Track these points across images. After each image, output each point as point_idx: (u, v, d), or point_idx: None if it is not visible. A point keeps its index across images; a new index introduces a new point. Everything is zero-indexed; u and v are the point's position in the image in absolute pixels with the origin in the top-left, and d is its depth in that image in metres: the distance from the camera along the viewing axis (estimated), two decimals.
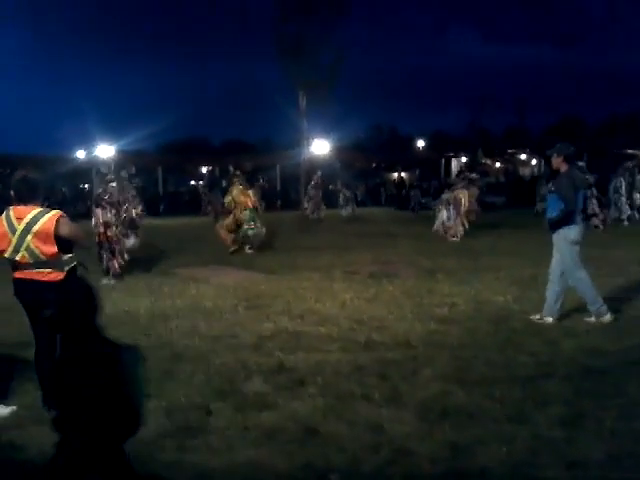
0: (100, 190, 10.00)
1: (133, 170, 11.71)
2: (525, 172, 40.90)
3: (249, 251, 12.79)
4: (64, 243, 4.27)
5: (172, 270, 10.41)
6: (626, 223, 17.32)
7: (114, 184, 10.06)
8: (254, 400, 4.32)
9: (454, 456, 3.44)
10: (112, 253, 9.65)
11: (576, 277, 6.27)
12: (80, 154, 33.08)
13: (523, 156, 41.57)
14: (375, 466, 3.38)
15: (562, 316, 6.46)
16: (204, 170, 38.98)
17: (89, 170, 32.38)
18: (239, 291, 8.49)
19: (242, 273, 10.17)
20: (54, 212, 4.29)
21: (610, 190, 17.89)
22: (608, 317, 6.22)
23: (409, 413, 4.03)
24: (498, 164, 41.08)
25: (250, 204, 12.94)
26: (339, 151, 33.32)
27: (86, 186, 31.48)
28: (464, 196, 15.53)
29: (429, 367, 4.94)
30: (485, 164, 21.72)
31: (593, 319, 6.23)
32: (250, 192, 13.16)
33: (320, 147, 30.42)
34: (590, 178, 16.25)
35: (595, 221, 16.08)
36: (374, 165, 42.96)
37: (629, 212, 17.77)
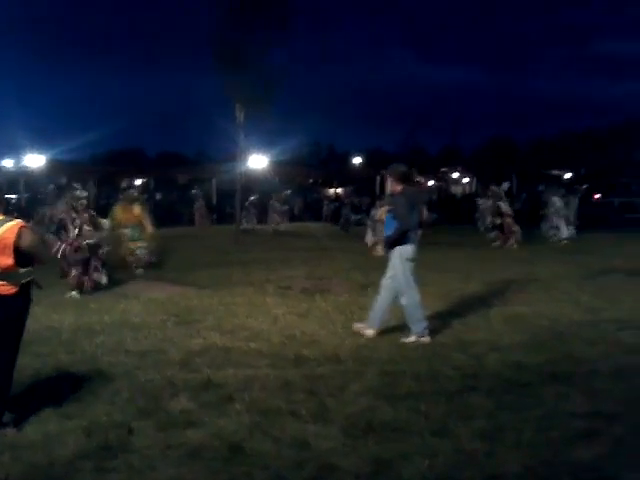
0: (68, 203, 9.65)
1: (64, 180, 11.36)
2: (457, 190, 42.08)
3: (138, 271, 11.58)
4: (23, 256, 3.97)
5: (100, 285, 10.11)
6: (563, 240, 17.87)
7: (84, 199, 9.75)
8: (179, 418, 4.23)
9: (377, 471, 3.46)
10: (86, 267, 9.34)
11: (407, 295, 6.39)
12: (7, 163, 31.84)
13: (455, 174, 42.77)
14: None
15: (491, 331, 6.64)
16: (139, 182, 38.24)
17: (16, 180, 31.29)
18: (169, 306, 8.33)
19: (173, 288, 9.99)
20: (16, 222, 3.99)
21: (550, 210, 18.50)
22: (427, 339, 6.30)
23: (335, 428, 4.04)
24: (432, 182, 42.07)
25: (133, 220, 11.91)
26: (277, 166, 33.34)
27: (13, 197, 30.22)
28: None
29: (357, 382, 4.96)
30: (419, 182, 22.14)
31: (412, 339, 6.30)
32: (135, 207, 12.09)
33: (257, 162, 30.35)
34: (503, 204, 16.83)
35: (511, 241, 16.65)
36: (312, 181, 43.24)
37: (569, 232, 18.28)
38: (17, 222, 4.01)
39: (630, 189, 31.13)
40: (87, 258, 9.42)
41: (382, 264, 12.72)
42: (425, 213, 6.46)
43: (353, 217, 26.87)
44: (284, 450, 3.73)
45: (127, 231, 11.86)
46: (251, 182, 29.82)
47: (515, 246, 16.51)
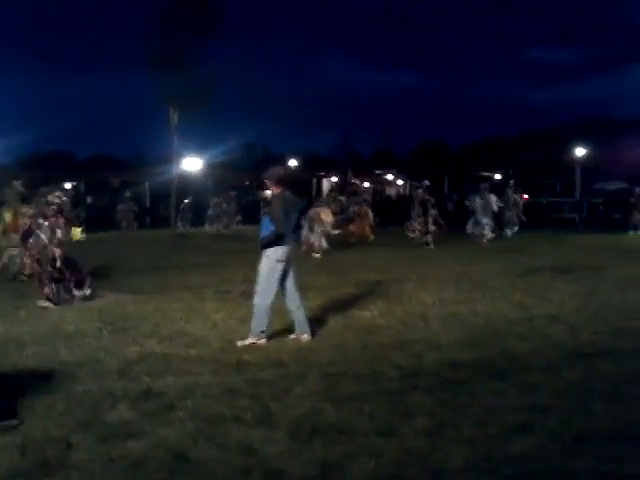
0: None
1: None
2: (391, 192, 42.81)
3: (23, 279, 10.82)
4: None
5: (30, 293, 9.73)
6: (487, 238, 18.44)
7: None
8: (119, 429, 4.12)
9: (324, 473, 3.48)
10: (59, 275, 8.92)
11: (261, 296, 6.43)
12: None
13: (390, 176, 43.51)
14: None
15: (429, 330, 6.80)
16: (68, 186, 37.05)
17: None
18: (104, 314, 8.10)
19: (108, 295, 9.72)
20: None
21: (471, 208, 19.13)
22: (263, 342, 6.40)
23: (281, 433, 4.03)
24: (367, 184, 42.64)
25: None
26: (212, 168, 32.99)
27: None
28: (325, 214, 16.02)
29: (300, 385, 4.97)
30: (355, 184, 22.48)
31: (249, 341, 6.37)
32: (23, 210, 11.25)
33: (192, 164, 29.96)
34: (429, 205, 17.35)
35: (429, 237, 17.16)
36: (247, 183, 43.01)
37: (489, 229, 18.90)
38: None
39: (556, 190, 32.52)
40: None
41: (320, 267, 12.87)
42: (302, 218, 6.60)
43: None
44: (230, 457, 3.69)
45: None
46: (185, 185, 29.37)
47: (431, 246, 16.96)
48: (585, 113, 53.72)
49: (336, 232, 16.18)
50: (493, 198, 19.34)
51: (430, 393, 4.74)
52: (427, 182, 18.44)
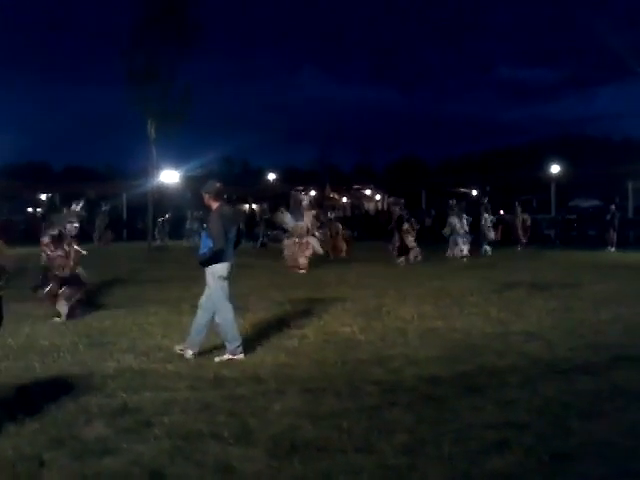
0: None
1: None
2: (370, 206, 43.00)
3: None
4: None
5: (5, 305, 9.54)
6: (465, 259, 18.62)
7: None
8: (95, 446, 4.05)
9: None
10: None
11: (220, 313, 6.42)
12: None
13: (368, 191, 43.73)
14: None
15: (408, 346, 6.80)
16: (43, 197, 36.63)
17: None
18: (80, 327, 7.99)
19: (85, 308, 9.57)
20: None
21: (447, 229, 19.35)
22: (241, 356, 6.38)
23: (259, 450, 3.99)
24: (345, 199, 42.79)
25: None
26: (189, 181, 32.87)
27: None
28: (303, 231, 16.04)
29: (279, 402, 4.93)
30: (333, 198, 22.57)
31: (226, 357, 6.33)
32: None
33: (169, 177, 29.83)
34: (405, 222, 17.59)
35: (410, 256, 17.31)
36: (225, 196, 42.93)
37: (466, 248, 19.13)
38: None
39: (532, 206, 32.94)
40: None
41: (300, 282, 12.85)
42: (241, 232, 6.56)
43: (269, 233, 26.88)
44: (207, 474, 3.64)
45: None
46: (163, 197, 29.24)
47: (418, 259, 17.11)
48: (560, 131, 54.61)
49: (321, 251, 16.14)
50: (486, 215, 19.93)
51: (409, 409, 4.74)
52: (401, 200, 18.80)
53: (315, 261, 16.52)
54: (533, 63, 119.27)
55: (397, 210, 18.07)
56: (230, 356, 6.35)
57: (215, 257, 6.34)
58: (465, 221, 19.19)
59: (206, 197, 6.60)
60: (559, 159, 36.26)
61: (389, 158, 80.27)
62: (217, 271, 6.37)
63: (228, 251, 6.40)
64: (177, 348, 6.56)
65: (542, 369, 5.91)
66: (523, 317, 8.52)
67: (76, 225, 9.21)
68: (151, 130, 25.50)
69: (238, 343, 6.42)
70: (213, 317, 6.47)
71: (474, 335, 7.44)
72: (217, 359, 6.31)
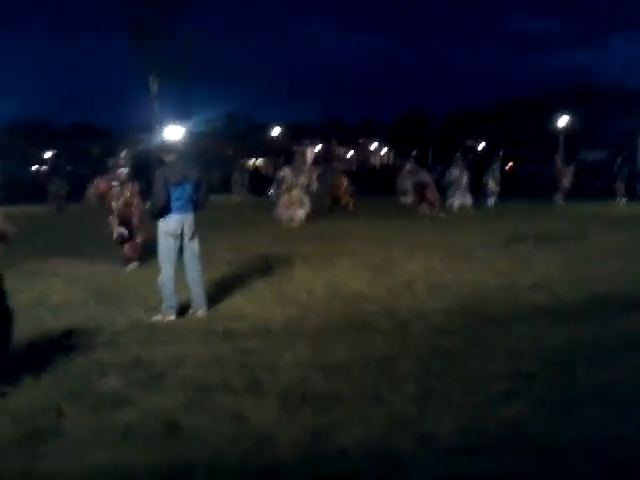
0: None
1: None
2: (376, 160, 42.72)
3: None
4: None
5: (14, 263, 9.63)
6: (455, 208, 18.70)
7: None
8: (110, 398, 4.14)
9: (314, 440, 3.53)
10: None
11: (164, 270, 6.38)
12: None
13: (374, 145, 43.36)
14: (238, 456, 3.38)
15: (415, 298, 6.85)
16: (48, 154, 36.53)
17: None
18: (90, 284, 8.07)
19: (94, 264, 9.67)
20: None
21: (447, 179, 19.35)
22: (173, 318, 6.30)
23: (270, 400, 4.06)
24: (351, 153, 42.49)
25: None
26: (194, 137, 32.66)
27: None
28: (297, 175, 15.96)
29: (288, 354, 4.99)
30: (339, 153, 22.38)
31: (159, 317, 6.31)
32: None
33: (173, 133, 29.61)
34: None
35: (436, 209, 17.28)
36: (230, 152, 42.68)
37: (471, 199, 19.22)
38: None
39: (540, 158, 32.65)
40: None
41: (306, 236, 12.86)
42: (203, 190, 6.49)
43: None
44: (221, 424, 3.72)
45: None
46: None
47: (442, 214, 17.10)
48: (570, 81, 53.46)
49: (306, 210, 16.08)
50: (494, 168, 19.91)
51: (418, 360, 4.79)
52: (414, 152, 18.53)
53: (321, 215, 16.52)
54: (542, 12, 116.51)
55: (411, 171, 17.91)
56: (163, 317, 6.28)
57: (154, 213, 6.38)
58: (466, 176, 19.16)
59: (159, 152, 6.59)
60: (568, 110, 35.71)
61: (396, 111, 78.99)
62: (161, 227, 6.35)
63: (175, 207, 6.29)
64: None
65: (549, 319, 5.95)
66: (530, 269, 8.52)
67: (127, 171, 9.60)
68: (153, 86, 25.23)
69: (171, 304, 6.31)
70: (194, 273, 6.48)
71: (481, 287, 7.46)
72: (153, 318, 6.26)
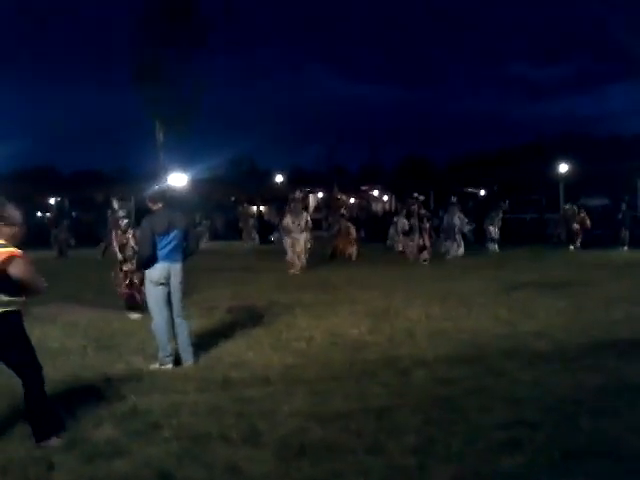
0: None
1: None
2: (378, 207, 42.92)
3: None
4: (6, 283, 3.99)
5: None
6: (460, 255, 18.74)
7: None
8: (104, 448, 4.06)
9: None
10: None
11: (155, 319, 6.35)
12: None
13: (376, 192, 43.63)
14: None
15: (416, 346, 6.79)
16: (52, 201, 36.86)
17: None
18: (90, 330, 8.03)
19: (93, 311, 9.64)
20: (9, 249, 4.03)
21: (446, 227, 19.46)
22: (170, 366, 6.21)
23: (267, 451, 3.99)
24: (353, 199, 42.72)
25: None
26: (197, 184, 32.96)
27: None
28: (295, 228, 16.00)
29: (287, 403, 4.93)
30: (341, 199, 22.53)
31: (157, 365, 6.23)
32: None
33: (178, 180, 29.92)
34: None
35: (425, 255, 17.28)
36: (233, 199, 42.97)
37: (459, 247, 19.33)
38: (10, 250, 4.05)
39: (541, 205, 32.80)
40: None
41: (307, 284, 12.84)
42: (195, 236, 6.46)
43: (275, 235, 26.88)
44: (216, 476, 3.65)
45: None
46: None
47: (426, 262, 17.07)
48: (569, 129, 54.20)
49: (309, 245, 16.08)
50: (496, 215, 20.05)
51: (418, 410, 4.72)
52: (421, 197, 18.57)
53: (320, 262, 16.53)
54: (542, 61, 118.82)
55: (416, 208, 17.92)
56: (159, 365, 6.21)
57: (140, 262, 6.41)
58: (459, 220, 19.27)
59: (147, 202, 6.53)
60: (567, 158, 36.01)
61: (397, 157, 79.98)
62: (148, 275, 6.31)
63: (162, 255, 6.24)
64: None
65: (552, 368, 5.88)
66: (532, 317, 8.47)
67: (127, 221, 9.70)
68: (159, 133, 25.61)
69: (167, 353, 6.25)
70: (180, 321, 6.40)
71: (483, 335, 7.40)
72: (151, 366, 6.20)
